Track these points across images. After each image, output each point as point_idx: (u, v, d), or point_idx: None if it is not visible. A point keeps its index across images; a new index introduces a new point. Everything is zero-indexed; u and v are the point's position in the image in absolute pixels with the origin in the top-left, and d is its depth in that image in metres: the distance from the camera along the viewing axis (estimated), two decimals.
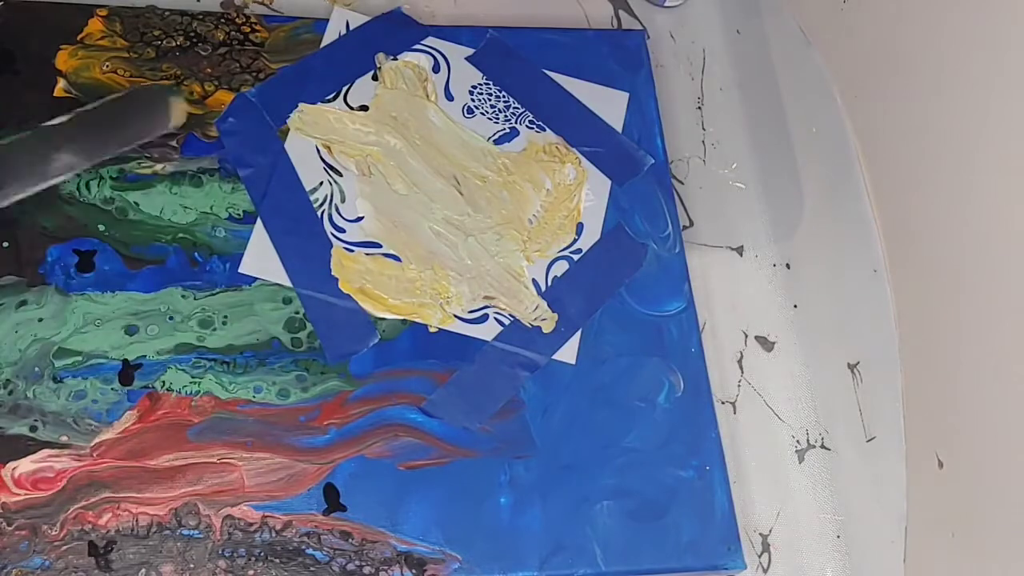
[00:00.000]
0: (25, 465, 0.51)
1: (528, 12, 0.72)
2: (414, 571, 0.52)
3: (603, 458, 0.57)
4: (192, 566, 0.50)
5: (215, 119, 0.61)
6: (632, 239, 0.63)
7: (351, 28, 0.66)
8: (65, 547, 0.50)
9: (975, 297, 0.52)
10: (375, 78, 0.65)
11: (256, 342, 0.56)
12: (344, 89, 0.64)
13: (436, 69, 0.66)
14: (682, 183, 0.69)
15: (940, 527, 0.54)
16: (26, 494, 0.50)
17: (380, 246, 0.60)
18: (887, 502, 0.58)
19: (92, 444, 0.52)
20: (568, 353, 0.59)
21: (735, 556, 0.55)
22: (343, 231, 0.60)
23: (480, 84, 0.67)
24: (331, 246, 0.59)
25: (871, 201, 0.63)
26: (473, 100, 0.66)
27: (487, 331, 0.59)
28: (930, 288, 0.57)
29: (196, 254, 0.58)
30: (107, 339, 0.55)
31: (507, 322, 0.59)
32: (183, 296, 0.56)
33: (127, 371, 0.54)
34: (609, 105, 0.68)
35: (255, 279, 0.58)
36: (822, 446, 0.63)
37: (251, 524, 0.52)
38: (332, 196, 0.61)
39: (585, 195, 0.64)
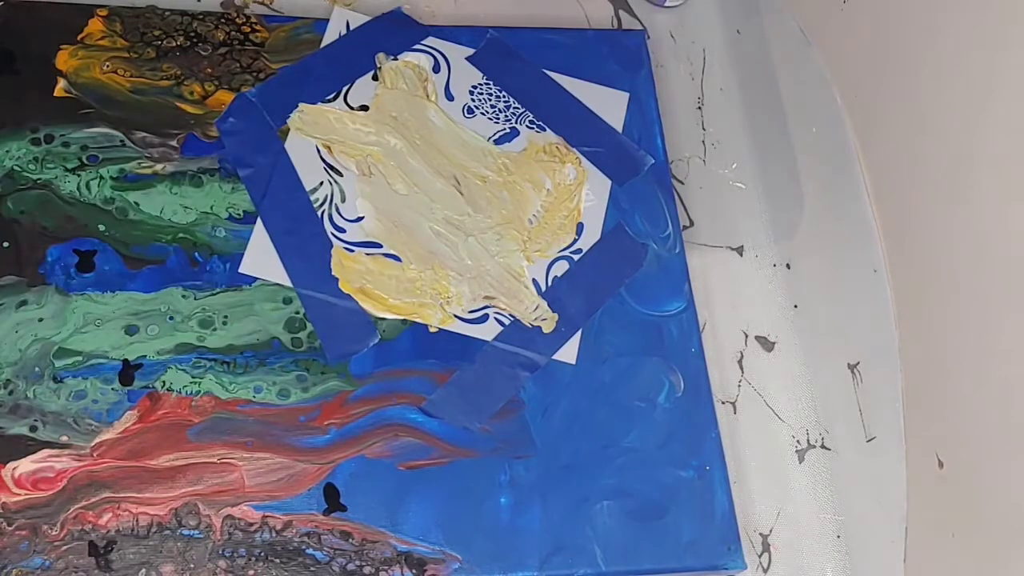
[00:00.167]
0: (25, 465, 0.51)
1: (528, 12, 0.72)
2: (414, 571, 0.52)
3: (603, 458, 0.57)
4: (192, 566, 0.50)
5: (215, 119, 0.61)
6: (632, 239, 0.63)
7: (351, 28, 0.66)
8: (65, 547, 0.50)
9: (975, 297, 0.52)
10: (375, 78, 0.65)
11: (256, 342, 0.56)
12: (344, 89, 0.64)
13: (436, 69, 0.66)
14: (682, 183, 0.69)
15: (940, 527, 0.54)
16: (26, 494, 0.50)
17: (380, 246, 0.60)
18: (887, 502, 0.58)
19: (92, 444, 0.52)
20: (568, 353, 0.59)
21: (735, 556, 0.55)
22: (343, 231, 0.60)
23: (480, 84, 0.67)
24: (331, 246, 0.59)
25: (871, 201, 0.63)
26: (473, 100, 0.66)
27: (487, 331, 0.59)
28: (930, 288, 0.57)
29: (196, 254, 0.58)
30: (107, 339, 0.55)
31: (507, 322, 0.59)
32: (183, 296, 0.56)
33: (127, 371, 0.54)
34: (609, 105, 0.68)
35: (255, 279, 0.58)
36: (822, 446, 0.62)
37: (251, 524, 0.52)
38: (332, 196, 0.61)
39: (585, 195, 0.64)
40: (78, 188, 0.58)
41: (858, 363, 0.62)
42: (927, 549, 0.56)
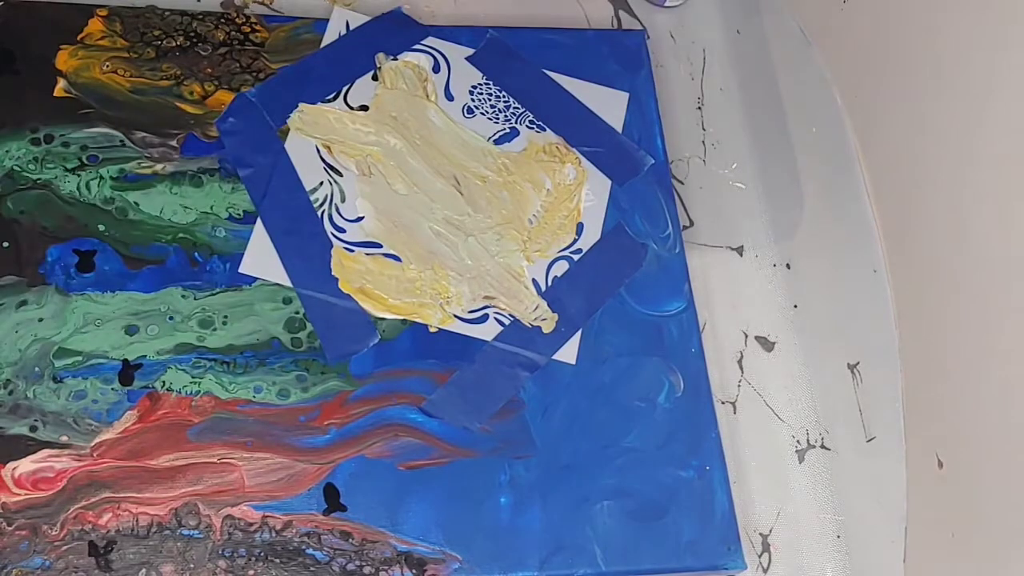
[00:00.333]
0: (25, 465, 0.51)
1: (528, 12, 0.72)
2: (414, 571, 0.52)
3: (603, 458, 0.57)
4: (192, 566, 0.50)
5: (215, 119, 0.61)
6: (632, 239, 0.63)
7: (351, 28, 0.66)
8: (65, 547, 0.50)
9: (975, 297, 0.52)
10: (375, 78, 0.65)
11: (256, 342, 0.56)
12: (344, 89, 0.64)
13: (436, 69, 0.66)
14: (682, 183, 0.69)
15: (940, 527, 0.54)
16: (26, 494, 0.50)
17: (380, 246, 0.60)
18: (887, 502, 0.58)
19: (92, 444, 0.52)
20: (568, 353, 0.59)
21: (735, 556, 0.55)
22: (343, 231, 0.60)
23: (480, 84, 0.67)
24: (331, 246, 0.59)
25: (871, 201, 0.63)
26: (473, 100, 0.66)
27: (487, 331, 0.59)
28: (930, 288, 0.56)
29: (196, 254, 0.58)
30: (107, 339, 0.55)
31: (507, 322, 0.59)
32: (183, 296, 0.56)
33: (127, 371, 0.54)
34: (609, 105, 0.68)
35: (255, 279, 0.58)
36: (822, 446, 0.62)
37: (251, 524, 0.52)
38: (332, 196, 0.61)
39: (585, 195, 0.64)
40: (78, 188, 0.58)
41: (858, 363, 0.62)
42: (927, 549, 0.56)
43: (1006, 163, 0.49)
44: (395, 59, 0.66)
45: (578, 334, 0.60)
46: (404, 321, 0.58)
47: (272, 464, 0.53)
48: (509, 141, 0.65)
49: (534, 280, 0.61)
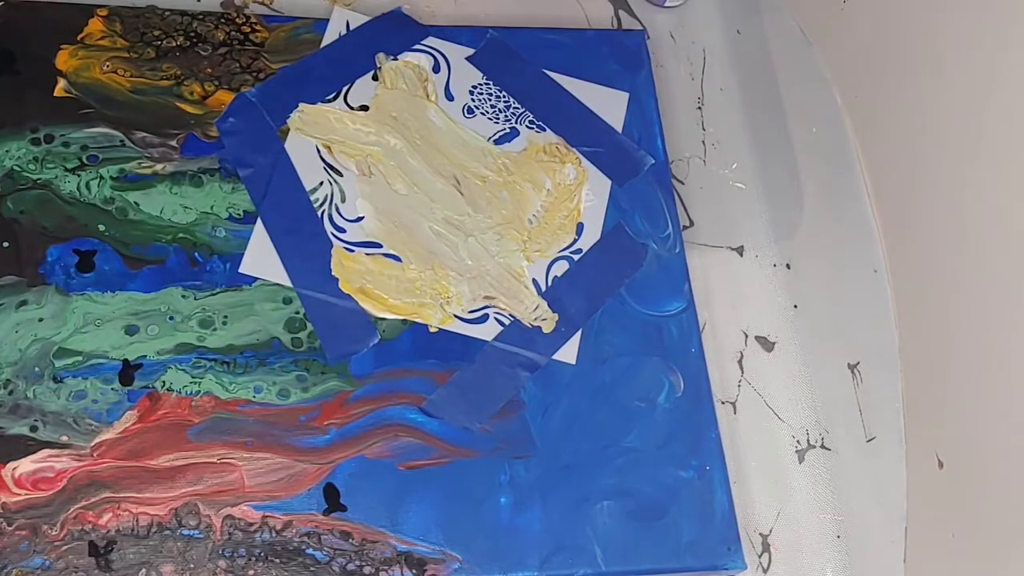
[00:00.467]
0: (25, 465, 0.51)
1: (528, 12, 0.72)
2: (414, 571, 0.52)
3: (603, 458, 0.57)
4: (192, 566, 0.50)
5: (215, 119, 0.61)
6: (632, 239, 0.63)
7: (351, 28, 0.66)
8: (65, 547, 0.50)
9: (975, 297, 0.52)
10: (375, 78, 0.65)
11: (256, 342, 0.56)
12: (344, 89, 0.64)
13: (436, 69, 0.66)
14: (682, 183, 0.69)
15: (940, 527, 0.54)
16: (26, 494, 0.50)
17: (380, 246, 0.60)
18: (887, 502, 0.58)
19: (92, 444, 0.52)
20: (568, 353, 0.59)
21: (735, 556, 0.55)
22: (343, 231, 0.60)
23: (480, 84, 0.67)
24: (331, 246, 0.59)
25: (871, 201, 0.63)
26: (473, 100, 0.66)
27: (487, 331, 0.59)
28: (930, 288, 0.57)
29: (196, 254, 0.58)
30: (107, 339, 0.55)
31: (507, 322, 0.59)
32: (183, 296, 0.56)
33: (127, 371, 0.54)
34: (609, 105, 0.68)
35: (255, 279, 0.58)
36: (822, 446, 0.62)
37: (251, 524, 0.52)
38: (332, 196, 0.61)
39: (585, 195, 0.64)
40: (78, 188, 0.58)
41: (858, 363, 0.62)
42: (927, 549, 0.56)
43: (1006, 163, 0.49)
44: (395, 59, 0.66)
45: (578, 334, 0.60)
46: (404, 321, 0.58)
47: (272, 464, 0.53)
48: (509, 141, 0.65)
49: (534, 280, 0.61)
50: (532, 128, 0.66)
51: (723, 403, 0.62)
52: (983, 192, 0.51)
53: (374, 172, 0.62)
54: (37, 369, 0.53)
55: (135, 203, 0.58)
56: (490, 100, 0.66)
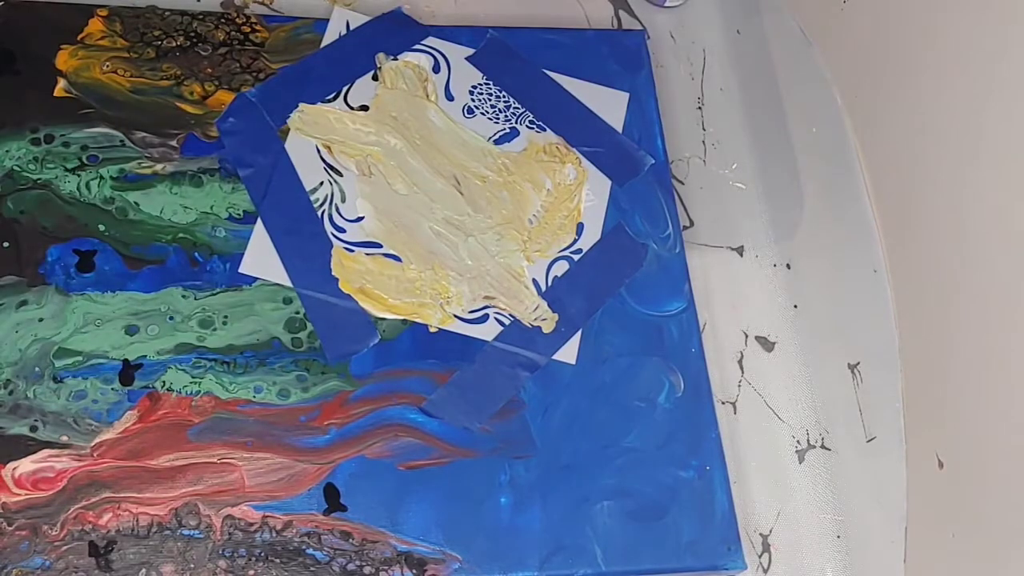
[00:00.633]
0: (25, 465, 0.51)
1: (528, 12, 0.72)
2: (414, 571, 0.52)
3: (603, 458, 0.57)
4: (192, 566, 0.50)
5: (215, 119, 0.61)
6: (632, 239, 0.63)
7: (351, 28, 0.66)
8: (65, 547, 0.50)
9: (975, 297, 0.52)
10: (375, 78, 0.65)
11: (256, 342, 0.56)
12: (344, 89, 0.64)
13: (436, 69, 0.66)
14: (682, 183, 0.69)
15: (940, 527, 0.54)
16: (26, 494, 0.50)
17: (380, 246, 0.60)
18: (887, 502, 0.58)
19: (92, 444, 0.52)
20: (568, 353, 0.59)
21: (735, 556, 0.55)
22: (343, 231, 0.60)
23: (480, 84, 0.67)
24: (331, 246, 0.59)
25: (871, 201, 0.63)
26: (473, 100, 0.66)
27: (487, 331, 0.59)
28: (930, 288, 0.57)
29: (196, 254, 0.58)
30: (107, 339, 0.55)
31: (507, 322, 0.59)
32: (183, 296, 0.56)
33: (127, 371, 0.54)
34: (609, 105, 0.68)
35: (255, 279, 0.58)
36: (822, 446, 0.62)
37: (251, 524, 0.52)
38: (332, 196, 0.61)
39: (585, 195, 0.64)
40: (78, 188, 0.58)
41: (858, 363, 0.62)
42: (927, 549, 0.56)
43: (1006, 163, 0.49)
44: (395, 59, 0.66)
45: (578, 334, 0.60)
46: (404, 321, 0.58)
47: (272, 464, 0.53)
48: (509, 141, 0.65)
49: (534, 280, 0.61)
50: (532, 128, 0.66)
51: (723, 403, 0.62)
52: (983, 192, 0.51)
53: (374, 172, 0.62)
54: (37, 369, 0.53)
55: (135, 203, 0.58)
56: (490, 100, 0.66)
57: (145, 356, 0.55)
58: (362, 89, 0.64)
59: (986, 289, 0.51)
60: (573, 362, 0.59)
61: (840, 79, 0.67)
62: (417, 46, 0.67)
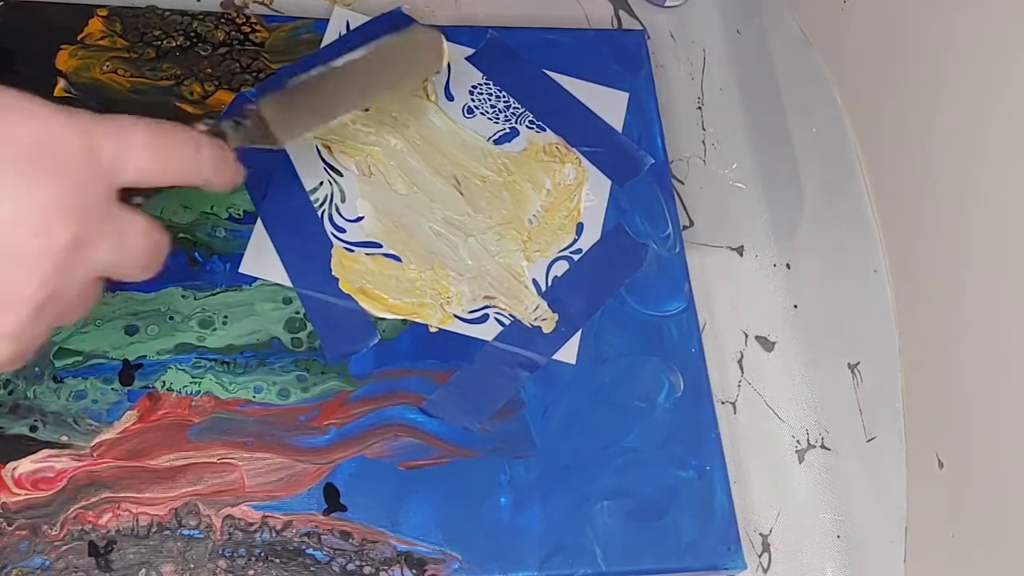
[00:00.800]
0: (25, 465, 0.51)
1: (528, 12, 0.72)
2: (414, 571, 0.52)
3: (603, 458, 0.57)
4: (192, 566, 0.50)
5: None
6: (632, 239, 0.63)
7: (351, 28, 0.66)
8: (65, 547, 0.50)
9: (975, 297, 0.52)
10: None
11: (256, 342, 0.56)
12: None
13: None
14: (682, 183, 0.69)
15: (940, 527, 0.54)
16: (26, 494, 0.50)
17: (380, 246, 0.60)
18: (887, 502, 0.58)
19: (92, 444, 0.52)
20: (568, 353, 0.59)
21: (735, 556, 0.55)
22: (343, 231, 0.60)
23: (480, 84, 0.67)
24: (331, 246, 0.59)
25: (871, 201, 0.63)
26: (473, 100, 0.66)
27: (487, 331, 0.59)
28: (930, 288, 0.56)
29: (196, 254, 0.58)
30: (107, 339, 0.55)
31: (507, 322, 0.59)
32: (183, 296, 0.56)
33: (127, 371, 0.54)
34: (609, 105, 0.68)
35: (255, 279, 0.58)
36: (822, 446, 0.62)
37: (251, 524, 0.52)
38: (332, 196, 0.61)
39: (585, 195, 0.64)
40: None
41: (858, 363, 0.62)
42: (927, 549, 0.56)
43: (1006, 163, 0.49)
44: None
45: (578, 334, 0.60)
46: (404, 321, 0.58)
47: (272, 464, 0.53)
48: (509, 141, 0.65)
49: (534, 280, 0.61)
50: (532, 128, 0.66)
51: (723, 403, 0.62)
52: (983, 192, 0.51)
53: (374, 172, 0.62)
54: (37, 369, 0.53)
55: None
56: (490, 100, 0.66)
57: (145, 356, 0.55)
58: None
59: (987, 289, 0.51)
60: (573, 362, 0.59)
61: (840, 79, 0.67)
62: None
